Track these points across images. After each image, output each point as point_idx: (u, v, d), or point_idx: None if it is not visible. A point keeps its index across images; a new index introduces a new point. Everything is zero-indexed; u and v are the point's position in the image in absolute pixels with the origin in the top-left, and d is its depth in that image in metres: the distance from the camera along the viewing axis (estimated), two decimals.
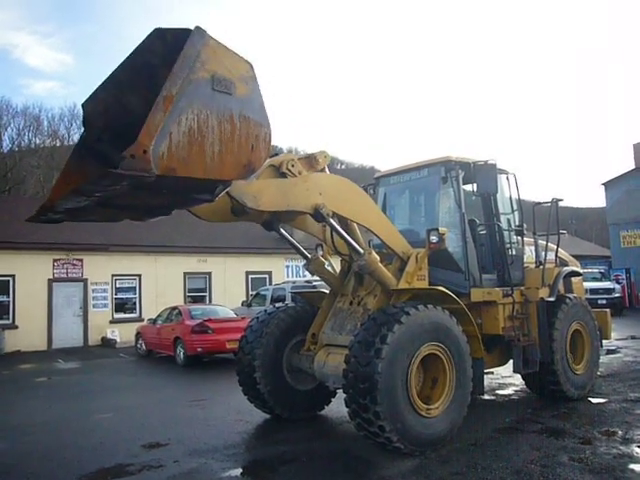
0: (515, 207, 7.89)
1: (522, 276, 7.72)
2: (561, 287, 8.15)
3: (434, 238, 6.34)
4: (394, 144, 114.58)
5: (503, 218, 7.67)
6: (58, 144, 43.59)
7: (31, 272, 19.04)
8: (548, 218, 8.01)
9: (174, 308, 15.58)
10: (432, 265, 6.64)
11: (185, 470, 5.55)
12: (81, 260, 20.16)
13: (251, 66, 3.88)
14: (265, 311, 7.58)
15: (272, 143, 4.05)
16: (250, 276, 23.74)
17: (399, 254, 6.44)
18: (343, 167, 67.07)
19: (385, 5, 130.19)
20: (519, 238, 7.87)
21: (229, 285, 22.81)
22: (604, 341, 9.31)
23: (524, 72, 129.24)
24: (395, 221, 7.49)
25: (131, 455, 6.11)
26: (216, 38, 3.70)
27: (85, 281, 20.21)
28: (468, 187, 7.44)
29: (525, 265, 7.94)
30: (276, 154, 6.03)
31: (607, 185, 32.58)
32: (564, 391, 7.46)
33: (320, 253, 7.28)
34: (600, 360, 8.64)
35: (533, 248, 8.43)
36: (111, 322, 20.46)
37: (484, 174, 6.90)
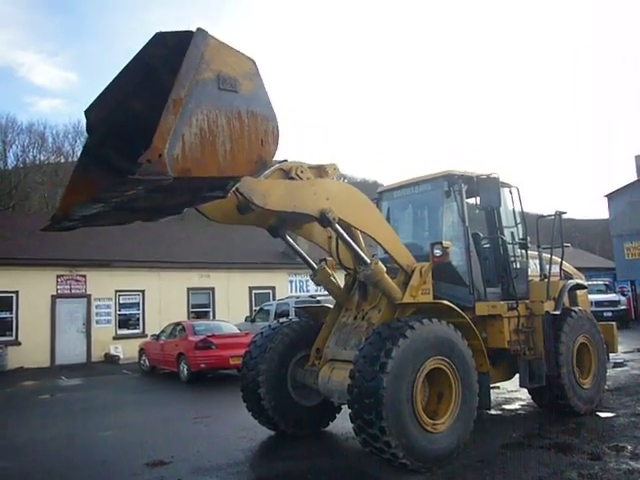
0: (519, 220, 7.88)
1: (527, 289, 7.68)
2: (566, 300, 8.12)
3: (438, 252, 6.32)
4: (397, 157, 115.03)
5: (507, 231, 7.66)
6: (62, 160, 43.84)
7: (34, 288, 19.07)
8: (552, 231, 8.00)
9: (177, 324, 15.55)
10: (436, 279, 6.62)
11: None
12: (84, 276, 20.19)
13: (254, 62, 3.95)
14: (269, 326, 7.55)
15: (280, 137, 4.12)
16: (253, 291, 23.70)
17: (403, 267, 6.43)
18: (345, 181, 67.20)
19: (388, 18, 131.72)
20: (523, 251, 7.84)
21: (232, 300, 22.78)
22: (611, 354, 9.24)
23: (528, 83, 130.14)
24: (399, 235, 7.46)
25: (134, 473, 6.05)
26: (217, 37, 3.76)
27: (88, 297, 20.21)
28: (471, 201, 7.44)
29: (530, 278, 7.91)
30: (285, 160, 6.10)
31: (610, 197, 32.60)
32: (572, 406, 7.38)
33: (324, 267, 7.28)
34: (607, 374, 8.55)
35: (537, 261, 8.41)
36: (114, 338, 20.44)
37: (487, 188, 6.91)
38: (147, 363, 16.31)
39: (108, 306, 20.57)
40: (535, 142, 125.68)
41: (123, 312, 20.97)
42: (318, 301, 13.01)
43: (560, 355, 7.26)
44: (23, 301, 18.90)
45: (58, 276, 19.66)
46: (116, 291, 20.70)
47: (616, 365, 12.19)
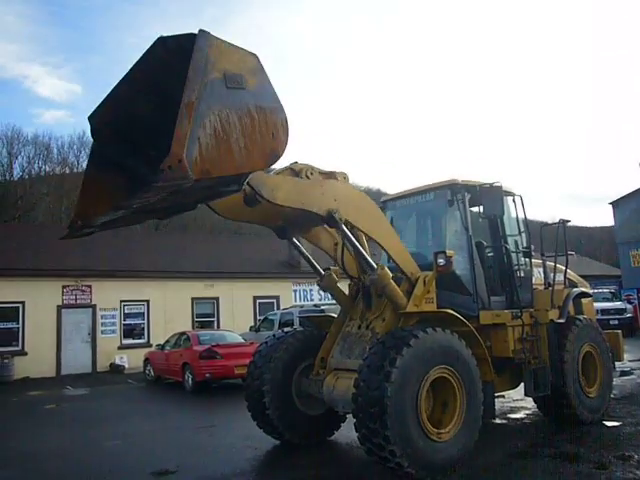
0: (522, 229, 7.89)
1: (531, 298, 7.68)
2: (571, 309, 8.10)
3: (441, 261, 6.33)
4: (403, 168, 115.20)
5: (510, 240, 7.66)
6: (68, 171, 44.14)
7: (40, 299, 19.18)
8: (556, 239, 8.00)
9: (182, 334, 15.59)
10: (440, 288, 6.62)
11: None
12: (90, 286, 20.29)
13: (256, 57, 4.04)
14: (274, 336, 7.57)
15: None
16: (258, 301, 23.72)
17: (408, 275, 6.44)
18: None
19: (391, 33, 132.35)
20: (527, 260, 7.85)
21: (237, 310, 22.79)
22: (617, 363, 9.20)
23: (534, 90, 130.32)
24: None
25: None
26: (219, 37, 3.84)
27: (94, 307, 20.30)
28: (475, 209, 7.46)
29: (534, 287, 7.90)
30: (295, 162, 6.19)
31: (615, 204, 32.49)
32: (577, 414, 7.34)
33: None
34: (613, 382, 8.52)
35: (541, 269, 8.40)
36: (119, 348, 20.48)
37: (490, 196, 6.93)
38: (152, 373, 16.33)
39: (113, 316, 20.63)
40: (541, 149, 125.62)
41: (128, 322, 21.02)
42: (322, 310, 13.02)
43: (565, 364, 7.24)
44: (29, 311, 18.99)
45: (64, 286, 19.77)
46: (121, 301, 20.77)
47: (623, 374, 12.12)
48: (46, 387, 15.98)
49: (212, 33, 3.81)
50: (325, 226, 6.75)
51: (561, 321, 7.54)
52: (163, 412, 11.27)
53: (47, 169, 44.30)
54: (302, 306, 18.14)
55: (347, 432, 7.18)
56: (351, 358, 6.50)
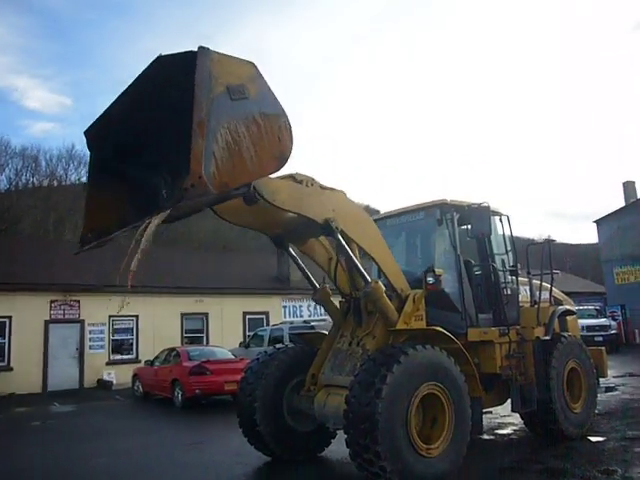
0: (509, 247, 8.06)
1: (517, 315, 7.83)
2: (556, 326, 8.27)
3: (430, 279, 6.47)
4: (390, 184, 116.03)
5: (498, 258, 7.83)
6: (55, 184, 43.92)
7: (28, 313, 18.95)
8: (542, 258, 8.19)
9: (172, 349, 15.54)
10: (429, 305, 6.75)
11: None
12: (78, 301, 20.13)
13: (254, 65, 4.22)
14: (265, 352, 7.64)
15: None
16: (247, 316, 23.67)
17: (398, 291, 6.56)
18: None
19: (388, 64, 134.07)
20: (514, 278, 8.02)
21: (226, 326, 22.72)
22: (602, 379, 9.36)
23: (519, 109, 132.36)
24: None
25: None
26: (216, 50, 4.01)
27: (82, 322, 20.12)
28: (463, 229, 7.63)
29: (520, 304, 8.07)
30: (297, 173, 6.31)
31: (599, 222, 32.99)
32: (563, 430, 7.47)
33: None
34: (598, 398, 8.67)
35: (528, 288, 8.58)
36: (107, 364, 20.30)
37: (478, 216, 7.11)
38: (140, 389, 16.22)
39: (102, 331, 20.45)
40: (527, 166, 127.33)
41: (117, 337, 20.86)
42: (312, 327, 13.10)
43: (551, 380, 7.38)
44: (16, 326, 18.76)
45: (52, 301, 19.59)
46: (110, 316, 20.59)
47: (607, 389, 12.29)
48: (32, 403, 15.79)
49: (210, 48, 3.97)
50: (321, 238, 6.90)
51: (547, 338, 7.71)
52: (152, 429, 11.22)
53: (35, 182, 44.08)
54: (292, 322, 18.17)
55: (338, 448, 7.24)
56: (342, 375, 6.58)
